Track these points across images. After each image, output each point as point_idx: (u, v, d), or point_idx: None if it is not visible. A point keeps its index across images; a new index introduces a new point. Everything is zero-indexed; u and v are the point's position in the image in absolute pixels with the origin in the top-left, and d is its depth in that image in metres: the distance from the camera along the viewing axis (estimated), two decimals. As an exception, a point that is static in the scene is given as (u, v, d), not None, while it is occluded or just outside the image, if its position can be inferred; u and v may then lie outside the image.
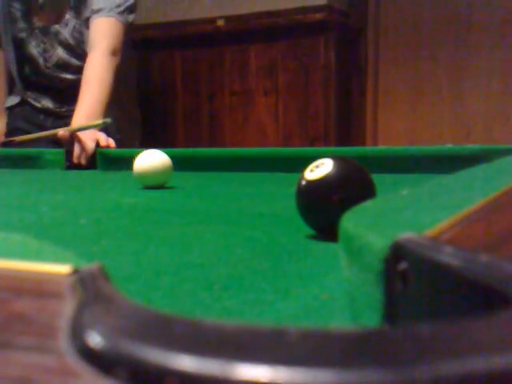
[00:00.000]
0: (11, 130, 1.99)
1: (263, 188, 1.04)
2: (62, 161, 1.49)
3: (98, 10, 1.72)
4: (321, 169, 0.49)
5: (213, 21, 2.80)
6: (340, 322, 0.29)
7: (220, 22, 2.79)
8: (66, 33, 1.85)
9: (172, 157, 1.00)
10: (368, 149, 1.55)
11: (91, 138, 1.49)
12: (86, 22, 1.78)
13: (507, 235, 0.26)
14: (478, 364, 0.12)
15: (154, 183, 0.97)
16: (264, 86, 2.78)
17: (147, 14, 2.84)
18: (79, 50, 1.87)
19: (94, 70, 1.69)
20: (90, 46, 1.74)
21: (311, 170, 0.50)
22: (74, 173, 1.40)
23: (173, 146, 2.47)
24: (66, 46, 1.87)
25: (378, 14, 2.87)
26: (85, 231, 0.59)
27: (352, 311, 0.28)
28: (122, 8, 1.72)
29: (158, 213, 0.74)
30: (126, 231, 0.60)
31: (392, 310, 0.23)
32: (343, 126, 2.81)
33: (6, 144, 1.77)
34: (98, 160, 1.45)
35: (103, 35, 1.71)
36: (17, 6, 1.87)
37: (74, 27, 1.85)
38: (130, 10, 1.77)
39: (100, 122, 1.56)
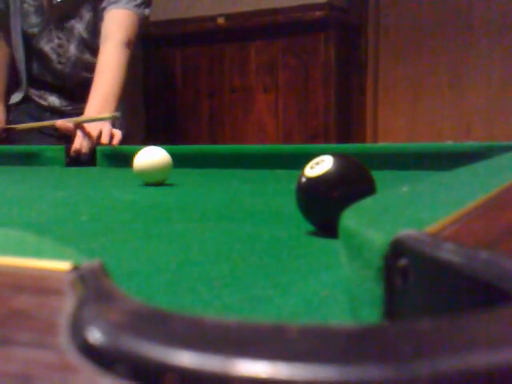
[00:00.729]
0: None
1: (263, 185, 1.04)
2: (63, 158, 1.49)
3: (116, 1, 1.69)
4: (321, 166, 0.49)
5: (213, 18, 2.80)
6: (340, 318, 0.29)
7: (220, 20, 2.78)
8: (80, 27, 1.82)
9: (172, 154, 1.00)
10: (368, 146, 1.55)
11: (96, 129, 1.49)
12: (101, 12, 1.74)
13: (508, 232, 0.26)
14: (478, 360, 0.12)
15: (154, 180, 0.97)
16: (264, 84, 2.78)
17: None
18: (94, 46, 1.83)
19: (108, 61, 1.65)
20: (104, 36, 1.69)
21: (311, 167, 0.50)
22: (74, 170, 1.40)
23: (173, 142, 2.47)
24: (81, 41, 1.84)
25: (378, 12, 2.87)
26: (85, 228, 0.59)
27: (352, 307, 0.28)
28: (139, 1, 1.69)
29: (158, 209, 0.74)
30: (127, 228, 0.60)
31: (392, 307, 0.23)
32: (343, 123, 2.81)
33: (5, 131, 1.76)
34: (97, 157, 1.45)
35: (118, 26, 1.67)
36: (30, 1, 1.84)
37: (89, 21, 1.82)
38: (147, 3, 1.74)
39: (108, 115, 1.53)
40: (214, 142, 2.83)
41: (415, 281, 0.21)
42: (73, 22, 1.82)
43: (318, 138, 2.67)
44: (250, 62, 2.79)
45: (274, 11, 2.67)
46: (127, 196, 0.88)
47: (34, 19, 1.84)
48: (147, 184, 0.97)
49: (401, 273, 0.22)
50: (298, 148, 1.36)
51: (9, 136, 1.81)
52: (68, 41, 1.84)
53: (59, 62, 1.86)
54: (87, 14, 1.81)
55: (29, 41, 1.88)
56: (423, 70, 2.81)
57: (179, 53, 2.93)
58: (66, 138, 1.63)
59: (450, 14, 2.74)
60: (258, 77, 2.78)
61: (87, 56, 1.86)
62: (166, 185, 0.98)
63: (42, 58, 1.88)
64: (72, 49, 1.85)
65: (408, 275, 0.22)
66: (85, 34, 1.83)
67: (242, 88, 2.82)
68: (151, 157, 0.96)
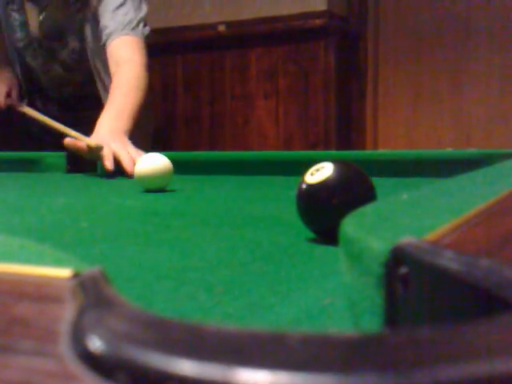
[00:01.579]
0: (23, 132, 1.97)
1: (264, 191, 1.04)
2: (63, 164, 1.49)
3: (111, 33, 1.60)
4: (321, 172, 0.49)
5: (214, 26, 2.81)
6: (340, 326, 0.29)
7: (221, 28, 2.79)
8: (64, 53, 1.79)
9: (173, 160, 1.00)
10: (368, 152, 1.55)
11: (125, 153, 1.30)
12: (103, 48, 1.65)
13: (508, 239, 0.26)
14: (478, 368, 0.12)
15: (155, 186, 0.97)
16: (264, 90, 2.78)
17: (149, 19, 2.84)
18: (79, 67, 1.80)
19: (128, 78, 1.52)
20: (115, 63, 1.57)
21: (312, 174, 0.50)
22: (74, 176, 1.40)
23: (174, 149, 2.47)
24: (64, 65, 1.81)
25: (378, 19, 2.88)
26: (86, 234, 0.59)
27: (352, 315, 0.28)
28: (134, 23, 1.61)
29: (159, 216, 0.74)
30: (127, 234, 0.60)
31: (392, 315, 0.23)
32: (343, 129, 2.81)
33: (10, 108, 1.74)
34: (98, 163, 1.45)
35: (132, 50, 1.58)
36: (15, 16, 1.81)
37: (74, 50, 1.78)
38: (144, 22, 1.65)
39: (93, 144, 1.30)
40: (215, 148, 2.84)
41: (415, 288, 0.21)
42: (56, 46, 1.79)
43: (318, 146, 2.67)
44: (251, 69, 2.80)
45: (275, 19, 2.68)
46: (128, 202, 0.88)
47: (19, 34, 1.82)
48: (148, 190, 0.97)
49: (401, 280, 0.22)
50: (298, 154, 1.36)
51: (9, 112, 1.79)
52: (52, 61, 1.82)
53: (47, 78, 1.84)
54: (73, 43, 1.78)
55: (20, 54, 1.87)
56: (422, 78, 2.82)
57: (180, 60, 2.94)
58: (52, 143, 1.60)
59: (450, 21, 2.75)
60: (259, 84, 2.79)
61: (74, 76, 1.82)
62: (167, 191, 0.98)
63: (32, 71, 1.87)
64: (57, 68, 1.83)
65: (408, 283, 0.22)
66: (69, 60, 1.81)
67: (242, 95, 2.82)
68: (152, 163, 0.96)
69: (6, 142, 1.85)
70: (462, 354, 0.13)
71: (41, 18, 1.77)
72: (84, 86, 1.84)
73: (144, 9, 1.68)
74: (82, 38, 1.76)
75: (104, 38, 1.61)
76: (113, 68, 1.57)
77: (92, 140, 1.31)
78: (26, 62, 1.86)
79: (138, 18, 1.63)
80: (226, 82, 2.86)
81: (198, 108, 2.94)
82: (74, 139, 1.34)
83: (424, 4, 2.79)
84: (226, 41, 2.81)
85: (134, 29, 1.60)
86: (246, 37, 2.75)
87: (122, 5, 1.61)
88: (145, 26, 1.65)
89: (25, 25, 1.80)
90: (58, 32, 1.76)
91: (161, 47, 2.84)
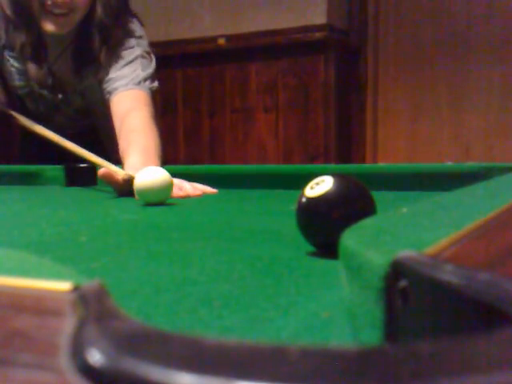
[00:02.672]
0: (24, 152, 1.92)
1: (263, 205, 1.04)
2: (63, 177, 1.49)
3: (115, 88, 1.53)
4: (321, 186, 0.49)
5: (214, 39, 2.82)
6: (340, 340, 0.29)
7: (221, 41, 2.81)
8: (67, 110, 1.73)
9: (173, 174, 1.00)
10: (368, 166, 1.55)
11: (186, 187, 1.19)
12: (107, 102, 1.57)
13: (507, 253, 0.26)
14: (478, 382, 0.12)
15: (155, 200, 0.97)
16: (264, 104, 2.79)
17: (149, 32, 2.86)
18: (84, 118, 1.75)
19: (136, 122, 1.43)
20: (119, 118, 1.48)
21: (311, 188, 0.50)
22: (74, 189, 1.40)
23: (174, 162, 2.47)
24: (67, 116, 1.75)
25: (378, 33, 2.89)
26: (85, 248, 0.59)
27: (352, 328, 0.28)
28: (140, 78, 1.54)
29: (159, 229, 0.74)
30: (127, 248, 0.60)
31: (392, 328, 0.23)
32: (343, 143, 2.82)
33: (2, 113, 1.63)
34: (97, 176, 1.45)
35: (137, 103, 1.50)
36: (13, 62, 1.68)
37: (78, 109, 1.73)
38: (152, 78, 1.58)
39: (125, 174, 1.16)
40: (215, 161, 2.84)
41: (415, 302, 0.21)
42: (58, 101, 1.72)
43: (317, 159, 2.68)
44: (251, 83, 2.81)
45: (275, 32, 2.70)
46: (127, 216, 0.88)
47: (17, 82, 1.72)
48: (148, 204, 0.97)
49: (401, 294, 0.22)
50: (298, 168, 1.37)
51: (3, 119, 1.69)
52: (55, 112, 1.75)
53: (49, 124, 1.67)
54: (76, 102, 1.72)
55: (20, 98, 1.76)
56: (422, 91, 2.83)
57: (180, 73, 2.96)
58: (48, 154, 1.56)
59: (449, 34, 2.77)
60: (259, 97, 2.80)
61: (79, 123, 1.77)
62: (167, 204, 0.98)
63: (33, 115, 1.73)
64: (60, 118, 1.76)
65: (408, 296, 0.22)
66: (72, 114, 1.75)
67: (242, 108, 2.83)
68: (152, 177, 0.96)
69: (6, 156, 1.82)
70: (461, 368, 0.13)
71: (43, 71, 1.68)
72: (89, 127, 1.80)
73: (153, 65, 1.62)
74: (85, 97, 1.70)
75: (107, 94, 1.54)
76: (117, 122, 1.48)
77: (122, 170, 1.17)
78: (26, 106, 1.77)
79: (145, 74, 1.57)
80: (226, 96, 2.87)
81: (198, 121, 2.95)
82: (109, 170, 1.18)
83: (424, 18, 2.81)
84: (225, 54, 2.82)
85: (139, 83, 1.54)
86: (245, 50, 2.77)
87: (130, 62, 1.57)
88: (153, 81, 1.59)
89: (24, 74, 1.69)
90: (61, 89, 1.70)
91: (161, 61, 2.84)
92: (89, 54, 1.60)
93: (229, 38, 2.79)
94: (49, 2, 1.48)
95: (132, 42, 1.60)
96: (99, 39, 1.57)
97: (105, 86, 1.57)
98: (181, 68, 2.94)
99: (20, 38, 1.60)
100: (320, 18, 2.63)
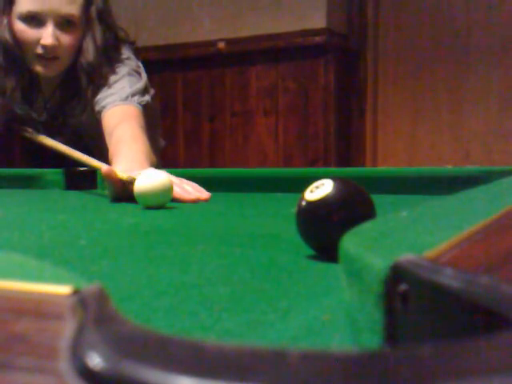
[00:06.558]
0: (23, 149, 1.94)
1: (263, 208, 1.04)
2: (62, 181, 1.49)
3: (104, 106, 1.55)
4: (321, 189, 0.50)
5: (214, 43, 2.83)
6: (340, 343, 0.29)
7: (221, 45, 2.81)
8: (66, 133, 1.75)
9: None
10: (367, 169, 1.56)
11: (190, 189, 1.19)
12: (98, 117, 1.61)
13: (507, 257, 0.26)
14: (478, 386, 0.12)
15: (155, 203, 0.97)
16: (264, 107, 2.80)
17: (149, 36, 2.87)
18: (82, 140, 1.77)
19: (125, 133, 1.43)
20: (109, 133, 1.49)
21: (311, 191, 0.50)
22: (74, 193, 1.40)
23: (173, 166, 2.47)
24: (67, 138, 1.73)
25: (377, 37, 2.90)
26: (85, 251, 0.59)
27: (352, 332, 0.28)
28: (128, 94, 1.55)
29: (158, 233, 0.74)
30: (126, 251, 0.60)
31: (392, 332, 0.23)
32: (343, 146, 2.82)
33: (9, 126, 1.69)
34: (97, 180, 1.46)
35: (118, 119, 1.50)
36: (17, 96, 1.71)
37: (74, 131, 1.75)
38: (141, 93, 1.59)
39: (126, 177, 1.14)
40: (215, 165, 2.84)
41: (415, 306, 0.21)
42: (56, 129, 1.76)
43: (317, 163, 2.68)
44: (251, 86, 2.81)
45: (274, 36, 2.70)
46: (127, 219, 0.88)
47: (16, 110, 1.75)
48: (147, 207, 0.97)
49: (401, 298, 0.22)
50: (298, 171, 1.37)
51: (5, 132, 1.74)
52: (55, 135, 1.72)
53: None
54: (73, 126, 1.76)
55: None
56: (422, 95, 2.83)
57: (180, 77, 2.96)
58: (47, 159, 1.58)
59: (449, 38, 2.77)
60: (259, 101, 2.80)
61: (79, 143, 1.75)
62: (166, 208, 0.98)
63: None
64: (60, 140, 1.76)
65: (408, 300, 0.22)
66: (71, 136, 1.76)
67: (242, 112, 2.84)
68: (151, 180, 0.96)
69: (6, 160, 1.82)
70: (461, 371, 0.13)
71: (38, 106, 1.73)
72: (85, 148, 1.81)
73: (143, 81, 1.64)
74: (75, 132, 1.75)
75: (97, 114, 1.57)
76: (107, 136, 1.49)
77: (123, 172, 1.14)
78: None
79: (132, 90, 1.58)
80: (226, 99, 2.87)
81: (198, 125, 2.95)
82: (112, 170, 1.16)
83: (424, 21, 2.81)
84: (225, 58, 2.82)
85: (126, 99, 1.56)
86: (245, 54, 2.77)
87: (116, 82, 1.59)
88: (142, 96, 1.60)
89: (24, 109, 1.73)
90: (57, 121, 1.74)
91: (161, 64, 2.86)
92: (77, 92, 1.66)
93: (229, 41, 2.80)
94: (40, 51, 1.56)
95: (118, 65, 1.64)
96: (86, 79, 1.62)
97: (95, 107, 1.60)
98: (181, 72, 2.95)
99: (10, 83, 1.66)
100: (320, 22, 2.63)
